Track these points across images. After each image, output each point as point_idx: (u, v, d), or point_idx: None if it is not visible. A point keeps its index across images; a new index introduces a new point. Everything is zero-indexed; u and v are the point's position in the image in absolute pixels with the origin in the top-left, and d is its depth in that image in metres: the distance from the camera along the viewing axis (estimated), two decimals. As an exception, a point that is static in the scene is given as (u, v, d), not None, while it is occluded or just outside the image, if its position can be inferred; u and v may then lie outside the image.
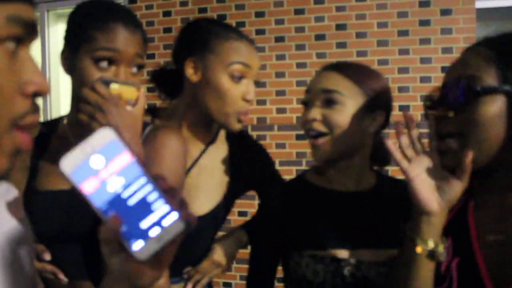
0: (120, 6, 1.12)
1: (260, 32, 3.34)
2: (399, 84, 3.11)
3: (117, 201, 0.54)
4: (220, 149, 1.40)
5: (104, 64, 1.02)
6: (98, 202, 0.54)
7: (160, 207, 0.54)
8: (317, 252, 1.16)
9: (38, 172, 1.12)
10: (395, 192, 1.21)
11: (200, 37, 1.29)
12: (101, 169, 0.54)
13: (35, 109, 0.55)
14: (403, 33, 3.14)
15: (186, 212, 0.55)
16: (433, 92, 0.97)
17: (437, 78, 3.04)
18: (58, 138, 1.16)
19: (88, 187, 0.54)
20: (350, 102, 1.16)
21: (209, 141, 1.38)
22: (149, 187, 0.54)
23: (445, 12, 3.09)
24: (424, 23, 3.12)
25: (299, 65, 3.27)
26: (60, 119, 1.21)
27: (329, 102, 1.16)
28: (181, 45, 1.34)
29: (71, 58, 1.07)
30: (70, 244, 1.06)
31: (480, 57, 0.88)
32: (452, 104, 0.89)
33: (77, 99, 1.04)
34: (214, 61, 1.25)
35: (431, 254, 0.90)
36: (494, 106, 0.85)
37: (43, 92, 0.55)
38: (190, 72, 1.28)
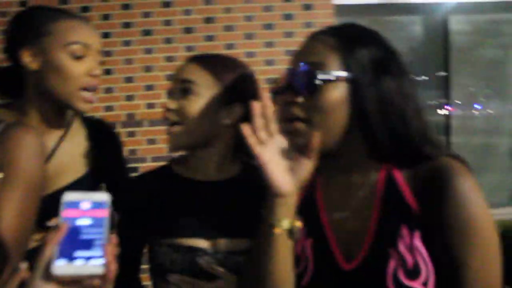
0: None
1: (126, 25, 3.25)
2: (266, 76, 3.17)
3: (74, 229, 0.72)
4: (76, 137, 1.39)
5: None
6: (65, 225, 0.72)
7: (96, 250, 0.71)
8: (175, 241, 1.16)
9: None
10: (258, 181, 1.21)
11: (32, 24, 1.26)
12: (83, 209, 0.74)
13: None
14: (268, 26, 3.22)
15: (112, 269, 0.70)
16: (280, 77, 0.99)
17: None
18: None
19: (68, 213, 0.74)
20: (205, 92, 1.17)
21: (64, 131, 1.36)
22: (100, 235, 0.72)
23: (307, 7, 3.23)
24: (288, 17, 3.22)
25: (168, 59, 3.23)
26: None
27: (185, 91, 1.17)
28: (13, 37, 1.30)
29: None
30: None
31: (324, 45, 0.92)
32: (298, 90, 0.91)
33: None
34: (51, 43, 1.23)
35: (289, 234, 0.90)
36: (337, 93, 0.89)
37: None
38: (28, 60, 1.24)
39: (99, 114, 3.19)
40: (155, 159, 3.18)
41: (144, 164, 3.17)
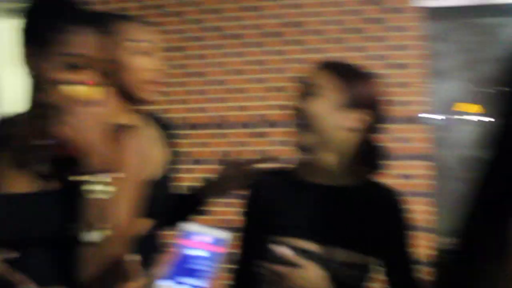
0: (85, 9, 1.13)
1: (217, 29, 3.37)
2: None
3: (188, 257, 0.79)
4: (151, 130, 1.49)
5: (75, 68, 1.03)
6: (180, 251, 0.79)
7: (203, 282, 0.78)
8: (289, 241, 1.19)
9: None
10: (379, 196, 1.28)
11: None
12: (202, 241, 0.79)
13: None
14: (356, 30, 3.24)
15: None
16: None
17: (390, 75, 3.14)
18: (15, 137, 1.14)
19: (187, 242, 0.80)
20: (331, 95, 1.22)
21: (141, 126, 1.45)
22: (211, 268, 0.79)
23: (395, 10, 3.20)
24: (378, 21, 3.22)
25: (260, 63, 3.32)
26: (16, 117, 1.18)
27: (311, 94, 1.23)
28: None
29: (37, 56, 1.05)
30: (34, 249, 1.05)
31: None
32: None
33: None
34: (115, 43, 1.31)
35: None
36: None
37: None
38: None
39: (193, 115, 3.35)
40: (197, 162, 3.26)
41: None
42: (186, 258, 0.79)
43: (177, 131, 1.65)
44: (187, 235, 0.81)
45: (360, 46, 3.22)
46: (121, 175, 1.06)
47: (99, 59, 1.05)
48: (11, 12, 3.48)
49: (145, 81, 1.40)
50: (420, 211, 3.05)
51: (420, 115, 3.15)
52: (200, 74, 3.37)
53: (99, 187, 0.97)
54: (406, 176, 3.13)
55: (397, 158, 3.05)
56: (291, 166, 1.38)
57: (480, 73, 3.18)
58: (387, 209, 1.29)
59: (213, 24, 3.36)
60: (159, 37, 1.47)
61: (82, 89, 1.00)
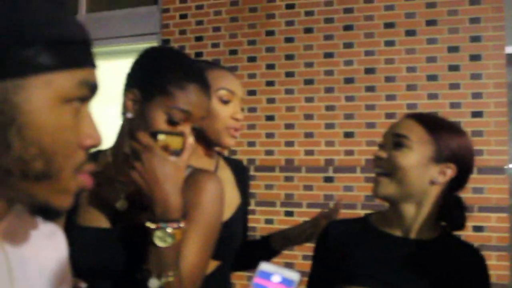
0: (195, 63, 1.17)
1: (289, 74, 3.41)
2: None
3: None
4: (223, 173, 1.51)
5: (176, 122, 1.06)
6: None
7: None
8: None
9: (78, 206, 1.15)
10: (458, 253, 1.23)
11: None
12: (272, 281, 0.81)
13: (89, 158, 0.63)
14: (432, 77, 3.15)
15: None
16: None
17: (468, 123, 3.01)
18: (99, 173, 1.18)
19: (258, 280, 0.81)
20: (418, 148, 1.21)
21: (215, 168, 1.50)
22: None
23: (475, 57, 3.09)
24: (453, 68, 3.12)
25: (328, 108, 3.31)
26: (100, 152, 1.23)
27: (398, 145, 1.22)
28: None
29: (141, 102, 1.08)
30: (104, 280, 1.09)
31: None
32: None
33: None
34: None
35: None
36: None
37: (98, 145, 0.63)
38: None
39: (260, 157, 3.38)
40: (309, 205, 3.26)
41: (298, 209, 3.27)
42: None
43: (248, 173, 1.68)
44: (261, 274, 0.83)
45: (437, 93, 3.13)
46: (194, 222, 1.09)
47: (199, 116, 1.10)
48: (113, 55, 3.79)
49: (228, 128, 1.42)
50: (494, 266, 2.89)
51: (497, 164, 2.99)
52: (269, 117, 3.42)
53: (164, 235, 0.98)
54: (480, 228, 2.94)
55: (472, 209, 2.89)
56: (370, 214, 1.37)
57: None
58: (466, 267, 1.22)
59: (285, 69, 3.43)
60: (242, 86, 1.50)
61: (176, 140, 1.04)
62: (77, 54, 0.59)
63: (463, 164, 1.24)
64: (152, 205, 0.99)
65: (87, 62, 0.60)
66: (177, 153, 1.03)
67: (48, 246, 0.76)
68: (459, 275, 1.19)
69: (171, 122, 1.05)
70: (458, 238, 1.30)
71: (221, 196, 1.17)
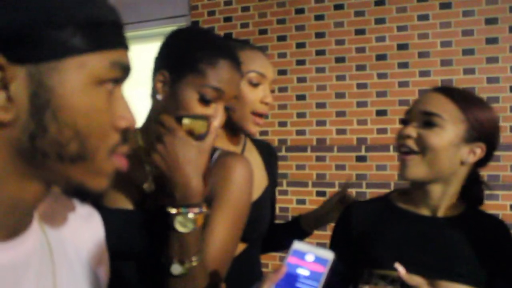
0: (225, 41, 1.16)
1: (320, 52, 3.36)
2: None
3: (292, 275, 0.83)
4: (251, 155, 1.48)
5: (209, 101, 1.04)
6: (285, 268, 0.83)
7: None
8: (389, 273, 1.14)
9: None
10: (485, 226, 1.21)
11: None
12: (306, 260, 0.83)
13: (124, 139, 0.63)
14: (468, 52, 3.04)
15: None
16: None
17: (505, 98, 2.90)
18: (128, 155, 1.20)
19: (291, 260, 0.83)
20: (450, 127, 1.15)
21: (241, 150, 1.47)
22: (313, 287, 0.82)
23: (514, 29, 2.96)
24: (491, 41, 3.00)
25: (360, 86, 3.25)
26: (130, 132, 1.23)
27: (428, 124, 1.17)
28: None
29: (171, 84, 1.07)
30: (128, 262, 1.10)
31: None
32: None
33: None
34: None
35: None
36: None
37: (132, 126, 0.63)
38: None
39: (291, 137, 3.36)
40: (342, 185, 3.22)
41: (331, 189, 3.24)
42: (291, 276, 0.82)
43: (276, 154, 1.66)
44: (294, 253, 0.83)
45: (473, 67, 3.02)
46: (222, 205, 1.08)
47: (231, 95, 1.08)
48: (144, 38, 3.81)
49: (255, 112, 1.37)
50: None
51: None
52: (300, 97, 3.38)
53: (185, 221, 0.97)
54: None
55: (510, 187, 2.81)
56: (391, 193, 1.34)
57: None
58: (493, 239, 1.20)
59: (316, 47, 3.37)
60: (273, 67, 1.44)
61: (200, 124, 1.02)
62: (109, 36, 0.59)
63: (491, 142, 1.19)
64: (172, 189, 0.98)
65: (119, 43, 0.60)
66: (202, 137, 1.01)
67: (86, 227, 0.78)
68: (488, 247, 1.17)
69: (204, 101, 1.03)
70: (481, 211, 1.26)
71: (250, 178, 1.14)
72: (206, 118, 1.03)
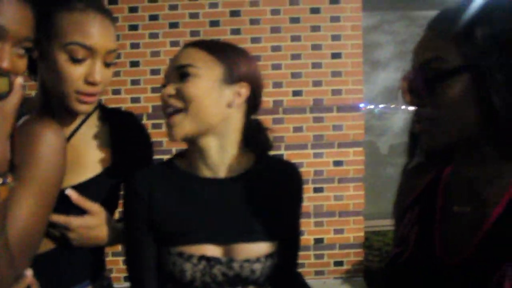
0: None
1: (153, 17, 3.28)
2: (292, 70, 3.16)
3: None
4: (93, 131, 1.27)
5: None
6: None
7: None
8: (185, 249, 1.08)
9: None
10: (275, 175, 1.17)
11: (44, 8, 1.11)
12: None
13: None
14: (295, 20, 3.21)
15: None
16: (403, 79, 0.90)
17: (328, 64, 3.13)
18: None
19: None
20: (205, 73, 1.10)
21: (79, 124, 1.25)
22: None
23: (334, 1, 3.20)
24: (315, 11, 3.20)
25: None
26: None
27: (183, 76, 1.09)
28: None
29: None
30: None
31: (437, 36, 0.83)
32: (418, 92, 0.84)
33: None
34: (51, 39, 1.11)
35: None
36: (458, 86, 0.79)
37: None
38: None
39: (125, 105, 3.24)
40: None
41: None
42: None
43: (141, 128, 1.40)
44: None
45: (297, 35, 3.20)
46: (26, 177, 0.92)
47: (20, 34, 0.86)
48: None
49: (79, 92, 1.13)
50: (351, 195, 3.14)
51: (353, 102, 3.17)
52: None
53: None
54: (339, 163, 3.12)
55: (331, 145, 3.06)
56: (170, 159, 1.21)
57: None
58: (285, 183, 1.19)
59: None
60: (109, 37, 1.15)
61: (4, 81, 0.82)
62: None
63: (254, 80, 1.17)
64: None
65: None
66: (3, 96, 0.83)
67: None
68: (280, 192, 1.16)
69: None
70: (273, 158, 1.23)
71: (61, 148, 1.00)
72: (6, 75, 0.84)
